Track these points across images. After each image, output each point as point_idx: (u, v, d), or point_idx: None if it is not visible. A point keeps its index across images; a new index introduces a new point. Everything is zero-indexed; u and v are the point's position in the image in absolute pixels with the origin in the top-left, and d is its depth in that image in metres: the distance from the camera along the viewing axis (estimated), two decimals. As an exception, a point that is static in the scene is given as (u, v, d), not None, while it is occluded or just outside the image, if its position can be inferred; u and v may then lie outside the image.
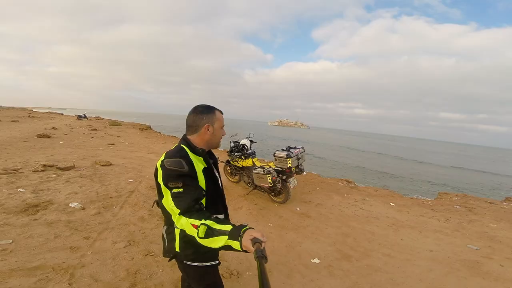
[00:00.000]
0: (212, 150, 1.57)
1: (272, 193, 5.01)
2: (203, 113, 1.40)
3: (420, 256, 3.50)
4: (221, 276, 2.53)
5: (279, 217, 4.41)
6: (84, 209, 3.81)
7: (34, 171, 5.54)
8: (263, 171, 4.54)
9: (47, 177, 5.18)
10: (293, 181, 4.88)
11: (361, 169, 18.25)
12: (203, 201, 1.31)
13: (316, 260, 3.16)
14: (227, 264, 2.82)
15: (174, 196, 1.22)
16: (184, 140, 1.41)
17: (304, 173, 7.69)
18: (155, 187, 1.34)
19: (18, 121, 19.43)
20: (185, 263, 1.37)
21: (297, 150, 4.90)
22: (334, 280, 2.80)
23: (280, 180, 4.72)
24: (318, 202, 5.35)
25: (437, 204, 6.13)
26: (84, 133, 13.91)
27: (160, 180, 1.27)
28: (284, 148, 4.92)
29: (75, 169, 6.05)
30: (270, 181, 4.47)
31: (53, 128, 15.09)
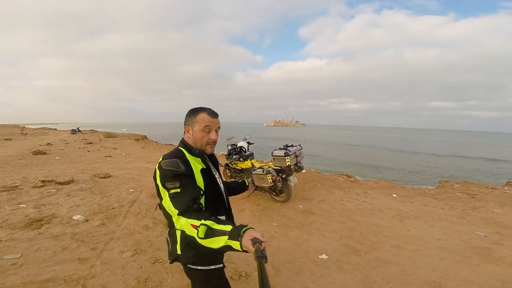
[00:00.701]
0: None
1: (274, 193, 5.04)
2: (187, 115, 1.43)
3: (428, 245, 3.52)
4: (230, 279, 2.56)
5: (282, 216, 4.45)
6: (87, 221, 3.84)
7: (33, 187, 5.56)
8: (263, 171, 4.56)
9: (47, 192, 5.21)
10: (293, 179, 4.91)
11: (359, 163, 18.30)
12: (202, 201, 1.32)
13: (324, 256, 3.19)
14: (235, 266, 2.85)
15: (172, 197, 1.23)
16: (182, 142, 1.44)
17: (304, 170, 7.74)
18: (157, 194, 1.35)
19: (11, 139, 19.31)
20: (188, 267, 1.37)
21: (295, 148, 4.93)
22: (344, 275, 2.82)
23: (280, 179, 4.75)
24: (320, 199, 5.39)
25: (439, 193, 6.19)
26: (80, 147, 13.88)
27: (158, 181, 1.29)
28: (282, 147, 4.94)
29: (74, 182, 6.08)
30: (271, 180, 4.49)
31: (48, 144, 15.06)
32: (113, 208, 4.41)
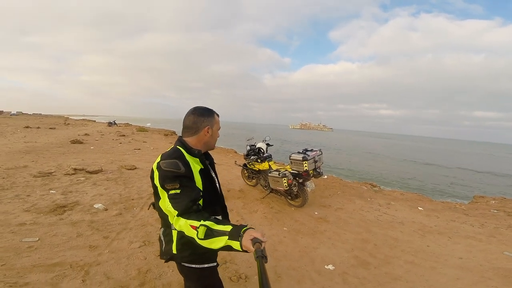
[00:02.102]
0: (210, 152, 1.59)
1: (289, 197, 4.96)
2: (204, 115, 1.43)
3: (447, 264, 3.30)
4: (229, 279, 2.58)
5: (295, 221, 4.37)
6: (107, 210, 4.07)
7: (65, 174, 5.99)
8: (279, 174, 4.51)
9: (77, 180, 5.58)
10: (310, 185, 4.80)
11: (386, 177, 17.21)
12: (201, 202, 1.31)
13: (330, 267, 3.08)
14: (236, 267, 2.85)
15: (171, 198, 1.22)
16: (180, 141, 1.42)
17: (325, 176, 7.53)
18: (153, 194, 1.38)
19: (55, 128, 21.15)
20: (183, 265, 1.39)
21: (314, 152, 4.80)
22: (348, 288, 2.70)
23: (297, 184, 4.67)
24: (338, 207, 5.21)
25: (471, 208, 5.71)
26: (113, 139, 14.78)
27: (156, 182, 1.28)
28: (301, 151, 4.84)
29: (102, 172, 6.45)
30: (286, 184, 4.44)
31: (86, 134, 16.23)
32: (132, 199, 4.62)
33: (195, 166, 1.37)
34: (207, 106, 1.50)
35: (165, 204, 1.25)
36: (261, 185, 5.58)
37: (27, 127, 20.12)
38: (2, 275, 2.29)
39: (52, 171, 6.17)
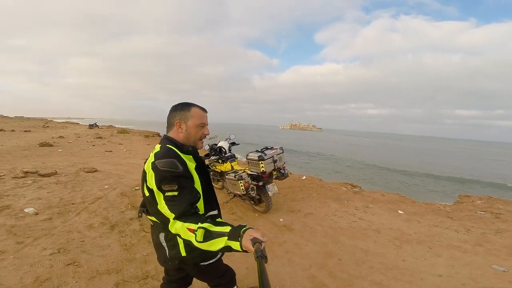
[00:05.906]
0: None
1: (252, 202, 4.71)
2: (177, 110, 1.42)
3: (423, 284, 2.88)
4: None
5: (254, 230, 4.10)
6: (37, 214, 3.92)
7: (14, 177, 5.86)
8: (235, 177, 4.21)
9: (23, 183, 5.45)
10: (272, 188, 4.47)
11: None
12: (200, 200, 1.34)
13: (275, 291, 2.68)
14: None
15: (168, 200, 1.22)
16: (168, 139, 1.42)
17: (304, 177, 7.32)
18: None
19: (30, 131, 21.22)
20: (200, 265, 1.45)
21: (273, 151, 4.47)
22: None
23: (255, 187, 4.36)
24: (308, 212, 4.93)
25: (456, 210, 5.46)
26: (87, 141, 14.79)
27: (151, 184, 1.27)
28: (259, 150, 4.51)
29: (56, 175, 6.34)
30: (243, 188, 4.14)
31: (60, 137, 16.28)
32: (72, 204, 4.46)
33: (190, 164, 1.38)
34: (203, 105, 1.49)
35: (162, 206, 1.26)
36: (225, 188, 5.31)
37: (1, 130, 20.37)
38: None
39: (2, 174, 6.03)
